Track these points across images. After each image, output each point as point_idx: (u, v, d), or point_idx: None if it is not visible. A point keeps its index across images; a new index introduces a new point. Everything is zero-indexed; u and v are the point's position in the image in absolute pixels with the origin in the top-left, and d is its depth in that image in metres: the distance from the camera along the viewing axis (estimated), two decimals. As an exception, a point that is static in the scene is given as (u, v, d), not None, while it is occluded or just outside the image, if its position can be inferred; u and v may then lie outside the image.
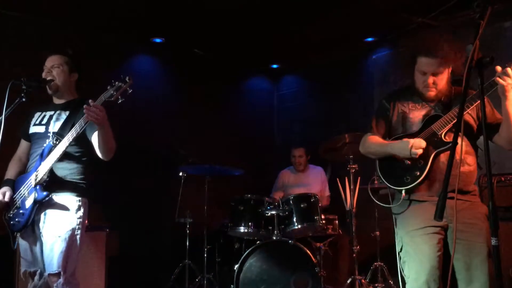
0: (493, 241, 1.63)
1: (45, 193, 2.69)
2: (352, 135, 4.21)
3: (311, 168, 5.24)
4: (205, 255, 4.58)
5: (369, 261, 4.62)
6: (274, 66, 6.53)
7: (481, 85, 1.75)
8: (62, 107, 2.96)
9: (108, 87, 2.66)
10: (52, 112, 2.96)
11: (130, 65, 5.24)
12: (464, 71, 1.73)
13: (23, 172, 2.97)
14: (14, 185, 2.89)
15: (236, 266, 3.81)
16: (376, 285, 4.41)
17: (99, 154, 2.81)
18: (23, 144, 3.07)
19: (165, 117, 5.32)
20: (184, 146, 4.98)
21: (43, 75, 2.95)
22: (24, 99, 2.78)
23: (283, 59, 6.27)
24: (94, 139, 2.78)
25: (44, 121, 2.93)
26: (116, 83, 2.65)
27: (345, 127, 5.03)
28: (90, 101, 2.58)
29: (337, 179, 4.52)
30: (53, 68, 2.93)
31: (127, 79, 2.65)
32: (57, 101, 3.02)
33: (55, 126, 2.86)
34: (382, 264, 4.51)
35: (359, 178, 4.30)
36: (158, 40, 5.36)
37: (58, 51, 2.99)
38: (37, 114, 3.01)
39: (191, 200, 4.83)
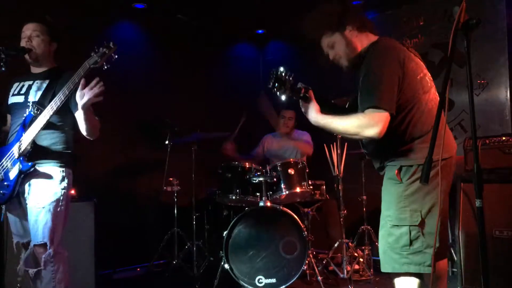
0: (478, 203, 1.66)
1: (29, 164, 2.67)
2: (341, 100, 4.17)
3: (295, 132, 5.18)
4: (194, 222, 4.62)
5: (356, 225, 4.70)
6: (259, 31, 6.42)
7: (467, 47, 1.73)
8: (42, 77, 2.89)
9: (92, 54, 2.58)
10: (30, 82, 2.89)
11: (112, 32, 5.11)
12: (451, 33, 1.70)
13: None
14: None
15: (225, 232, 3.84)
16: (363, 247, 4.50)
17: (84, 133, 2.78)
18: (7, 117, 3.01)
19: (148, 85, 5.24)
20: (169, 114, 4.94)
21: (22, 43, 2.86)
22: (3, 69, 2.71)
23: (268, 24, 6.15)
24: (78, 115, 2.73)
25: (23, 91, 2.87)
26: (100, 49, 2.58)
27: (335, 92, 4.96)
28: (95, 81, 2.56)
29: (324, 144, 4.53)
30: (33, 37, 2.85)
31: (111, 44, 2.58)
32: (35, 70, 2.95)
33: (35, 96, 2.80)
34: (369, 227, 4.61)
35: (346, 144, 4.31)
36: (140, 6, 5.21)
37: (37, 19, 2.89)
38: (16, 84, 2.94)
39: (178, 168, 4.82)
